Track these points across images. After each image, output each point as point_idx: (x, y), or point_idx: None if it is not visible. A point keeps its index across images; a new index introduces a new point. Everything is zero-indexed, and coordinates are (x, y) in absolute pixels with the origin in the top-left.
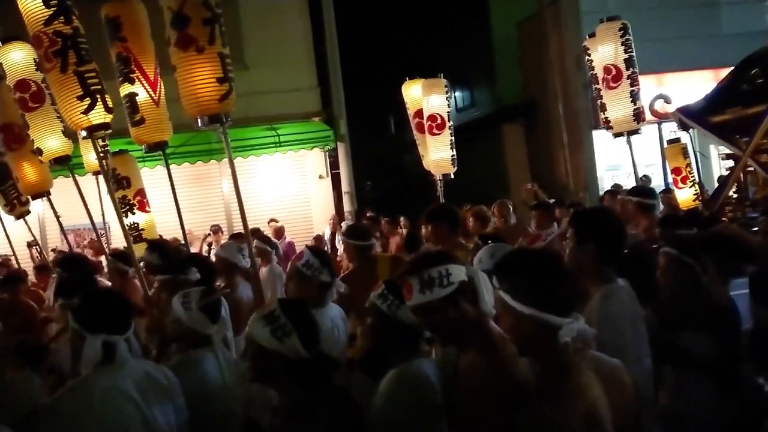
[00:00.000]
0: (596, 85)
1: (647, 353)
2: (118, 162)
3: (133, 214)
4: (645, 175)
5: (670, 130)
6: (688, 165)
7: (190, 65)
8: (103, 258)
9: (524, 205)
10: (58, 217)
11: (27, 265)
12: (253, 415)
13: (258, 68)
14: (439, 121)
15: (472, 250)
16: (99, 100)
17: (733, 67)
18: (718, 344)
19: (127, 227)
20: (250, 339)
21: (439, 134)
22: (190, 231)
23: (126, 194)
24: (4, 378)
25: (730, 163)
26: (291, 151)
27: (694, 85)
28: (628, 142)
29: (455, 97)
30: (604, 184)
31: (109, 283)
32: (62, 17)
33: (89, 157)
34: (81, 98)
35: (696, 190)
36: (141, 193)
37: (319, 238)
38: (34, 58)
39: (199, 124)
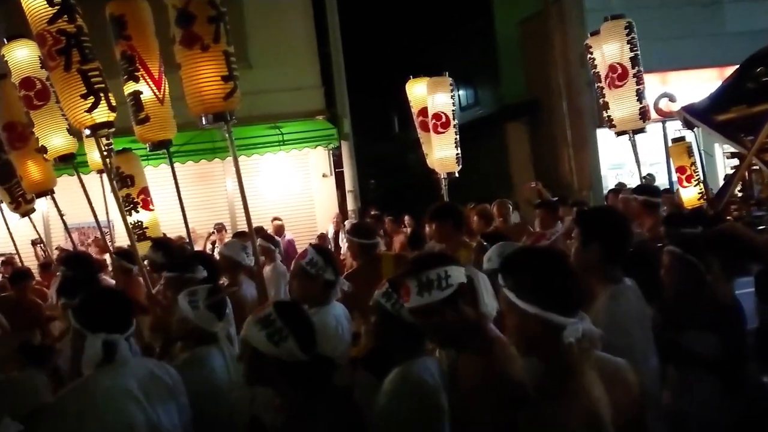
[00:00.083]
0: (599, 84)
1: (654, 352)
2: (122, 160)
3: (137, 212)
4: (649, 174)
5: (675, 128)
6: (693, 164)
7: (195, 63)
8: (107, 256)
9: (528, 204)
10: (62, 216)
11: (31, 263)
12: (257, 412)
13: (262, 67)
14: (444, 119)
15: (475, 249)
16: (102, 98)
17: (737, 66)
18: (722, 343)
19: (130, 225)
20: (246, 342)
21: (444, 132)
22: (194, 229)
23: (130, 192)
24: (9, 376)
25: (735, 161)
26: (295, 149)
27: (698, 84)
28: (632, 140)
29: (459, 95)
30: (608, 183)
31: (113, 282)
32: (66, 16)
33: (93, 155)
34: (84, 96)
35: (701, 189)
36: (145, 191)
37: (323, 237)
38: (38, 56)
39: (204, 123)
